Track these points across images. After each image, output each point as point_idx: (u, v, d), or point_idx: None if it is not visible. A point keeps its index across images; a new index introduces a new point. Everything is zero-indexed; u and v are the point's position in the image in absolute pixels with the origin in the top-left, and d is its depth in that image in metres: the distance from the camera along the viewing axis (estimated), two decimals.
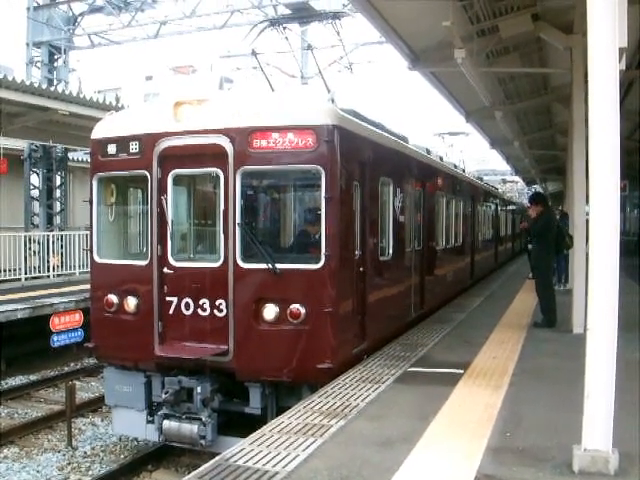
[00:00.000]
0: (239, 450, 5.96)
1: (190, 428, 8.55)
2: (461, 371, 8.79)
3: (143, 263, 9.12)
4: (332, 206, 8.36)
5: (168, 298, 8.90)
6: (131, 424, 9.53)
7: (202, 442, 8.56)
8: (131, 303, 9.19)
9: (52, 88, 18.08)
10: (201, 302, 8.71)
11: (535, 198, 13.45)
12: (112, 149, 9.31)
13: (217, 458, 5.81)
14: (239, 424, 8.61)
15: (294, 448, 5.95)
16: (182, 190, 9.63)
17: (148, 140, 8.99)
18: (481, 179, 26.92)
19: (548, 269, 12.91)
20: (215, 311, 8.64)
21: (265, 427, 6.66)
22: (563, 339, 11.19)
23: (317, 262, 8.37)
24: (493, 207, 26.87)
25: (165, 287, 8.91)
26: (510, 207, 35.81)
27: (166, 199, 8.91)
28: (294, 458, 5.69)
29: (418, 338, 11.22)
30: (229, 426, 8.85)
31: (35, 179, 23.83)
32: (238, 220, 8.51)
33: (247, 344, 8.48)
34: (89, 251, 9.84)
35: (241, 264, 8.52)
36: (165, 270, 8.90)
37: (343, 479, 5.23)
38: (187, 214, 9.71)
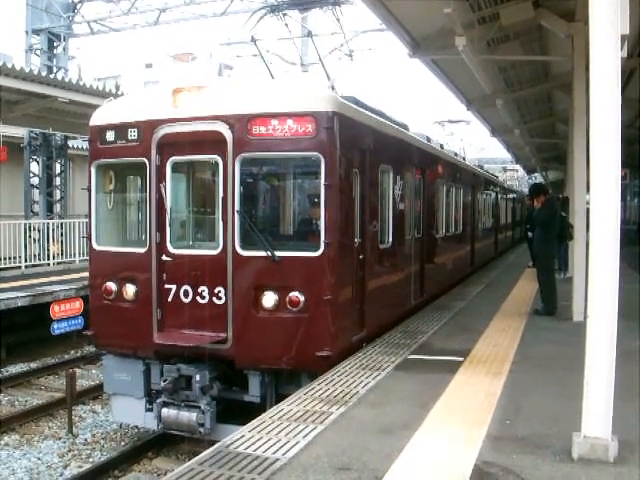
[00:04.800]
0: (239, 437, 5.98)
1: (188, 416, 8.55)
2: (461, 359, 8.81)
3: (142, 250, 9.09)
4: (331, 193, 8.32)
5: (167, 286, 8.88)
6: (130, 412, 9.53)
7: (201, 430, 8.55)
8: (130, 291, 9.16)
9: (52, 76, 17.99)
10: (200, 290, 8.69)
11: (536, 190, 13.42)
12: (111, 136, 9.28)
13: (217, 445, 5.84)
14: (238, 412, 8.59)
15: (294, 435, 5.96)
16: (181, 177, 9.59)
17: (147, 127, 8.96)
18: (481, 167, 26.89)
19: (550, 257, 12.92)
20: (214, 299, 8.62)
21: (265, 414, 6.69)
22: (563, 327, 11.22)
23: (316, 250, 8.33)
24: (493, 195, 26.85)
25: (164, 274, 8.90)
26: (510, 195, 35.78)
27: (165, 186, 8.89)
28: (294, 445, 5.71)
29: (418, 326, 11.24)
30: (229, 414, 8.82)
31: (35, 167, 23.77)
32: (237, 207, 8.48)
33: (246, 332, 8.47)
34: (88, 238, 9.82)
35: (240, 251, 8.48)
36: (164, 257, 8.89)
37: (343, 465, 5.25)
38: (186, 201, 9.65)
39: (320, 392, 7.32)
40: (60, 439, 10.55)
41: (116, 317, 9.31)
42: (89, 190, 9.64)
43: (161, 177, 8.92)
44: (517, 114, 23.93)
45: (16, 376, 14.04)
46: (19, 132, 23.06)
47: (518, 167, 55.49)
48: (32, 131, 22.95)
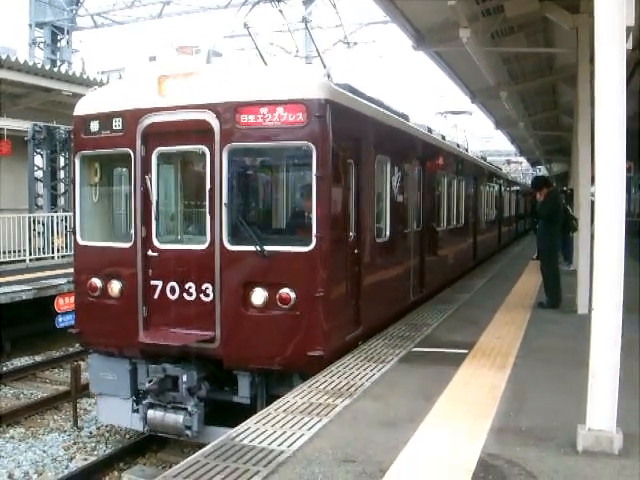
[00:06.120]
0: (244, 429, 5.99)
1: (175, 418, 8.29)
2: (465, 351, 8.82)
3: (127, 245, 8.82)
4: (323, 185, 8.01)
5: (153, 282, 8.61)
6: (116, 413, 9.27)
7: (187, 433, 8.30)
8: (115, 287, 8.89)
9: (55, 69, 18.03)
10: (187, 286, 8.41)
11: (538, 183, 13.36)
12: (95, 126, 8.99)
13: (223, 437, 5.85)
14: (230, 413, 8.35)
15: (299, 427, 5.98)
16: (168, 169, 9.35)
17: (131, 116, 8.66)
18: (485, 159, 26.79)
19: (554, 250, 12.90)
20: (201, 296, 8.34)
21: (270, 406, 6.69)
22: (567, 320, 11.21)
23: (308, 244, 8.00)
24: (496, 187, 26.73)
25: (150, 270, 8.63)
26: (514, 188, 35.69)
27: (150, 178, 8.60)
28: (299, 437, 5.72)
29: (422, 318, 11.24)
30: (220, 415, 8.56)
31: (39, 160, 23.76)
32: (225, 200, 8.18)
33: (235, 330, 8.19)
34: (72, 233, 9.53)
35: (228, 246, 8.20)
36: (149, 253, 8.62)
37: (348, 458, 5.26)
38: (173, 194, 9.41)
39: (325, 384, 7.33)
40: (65, 432, 10.59)
41: (101, 315, 9.04)
42: (73, 183, 9.43)
43: (146, 169, 8.62)
44: (521, 106, 23.84)
45: (21, 369, 14.09)
46: (23, 125, 23.09)
47: (522, 159, 55.42)
48: (36, 124, 22.95)
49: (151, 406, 8.51)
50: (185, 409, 8.29)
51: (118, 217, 10.15)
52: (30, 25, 24.47)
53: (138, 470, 8.99)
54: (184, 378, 8.23)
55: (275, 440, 5.68)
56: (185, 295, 8.44)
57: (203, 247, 8.38)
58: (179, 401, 8.32)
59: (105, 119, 8.90)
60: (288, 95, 8.02)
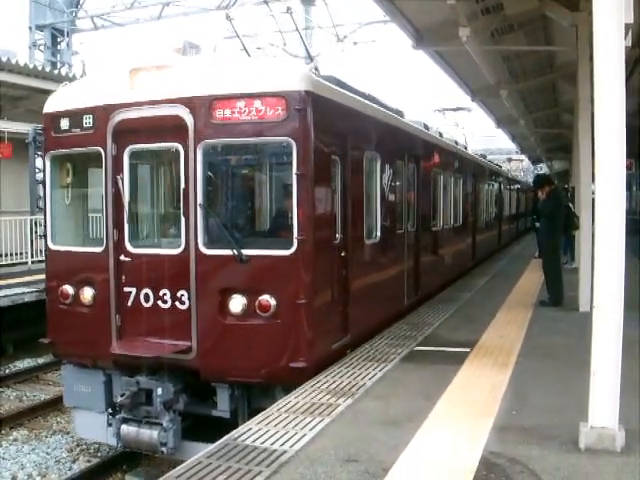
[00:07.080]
0: (247, 430, 6.00)
1: (150, 434, 7.78)
2: (467, 350, 8.82)
3: (98, 250, 8.33)
4: (305, 183, 7.52)
5: (126, 289, 8.13)
6: (92, 427, 8.81)
7: (163, 449, 7.82)
8: (87, 294, 8.44)
9: (56, 71, 18.03)
10: (161, 293, 7.93)
11: (540, 181, 13.35)
12: (65, 124, 8.55)
13: (225, 438, 5.86)
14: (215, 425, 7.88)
15: (301, 427, 5.98)
16: (141, 168, 9.03)
17: (102, 113, 8.17)
18: (485, 157, 26.69)
19: (556, 248, 12.89)
20: (177, 303, 7.87)
21: (273, 406, 6.69)
22: (569, 317, 11.21)
23: (289, 247, 7.53)
24: (497, 186, 26.63)
25: (122, 276, 8.17)
26: (515, 186, 35.61)
27: (122, 178, 8.13)
28: (301, 437, 5.73)
29: (424, 317, 11.24)
30: (204, 427, 8.17)
31: (40, 163, 23.74)
32: (200, 201, 7.71)
33: (212, 340, 7.75)
34: (44, 237, 9.09)
35: (204, 250, 7.73)
36: (122, 257, 8.16)
37: (350, 457, 5.26)
38: (146, 195, 9.07)
39: (327, 384, 7.33)
40: (68, 434, 10.58)
41: (74, 324, 8.60)
42: (44, 184, 9.04)
43: (118, 168, 8.15)
44: (522, 105, 23.82)
45: (24, 371, 14.08)
46: (24, 128, 23.09)
47: (523, 157, 55.35)
48: (37, 127, 22.95)
49: (125, 421, 8.03)
50: (160, 424, 7.81)
51: (90, 220, 9.82)
52: (30, 28, 24.48)
53: (141, 471, 9.03)
54: (159, 391, 7.74)
55: (277, 440, 5.68)
56: (160, 303, 7.98)
57: (178, 251, 7.92)
58: (154, 416, 7.84)
59: (75, 116, 8.46)
60: (266, 87, 7.55)
